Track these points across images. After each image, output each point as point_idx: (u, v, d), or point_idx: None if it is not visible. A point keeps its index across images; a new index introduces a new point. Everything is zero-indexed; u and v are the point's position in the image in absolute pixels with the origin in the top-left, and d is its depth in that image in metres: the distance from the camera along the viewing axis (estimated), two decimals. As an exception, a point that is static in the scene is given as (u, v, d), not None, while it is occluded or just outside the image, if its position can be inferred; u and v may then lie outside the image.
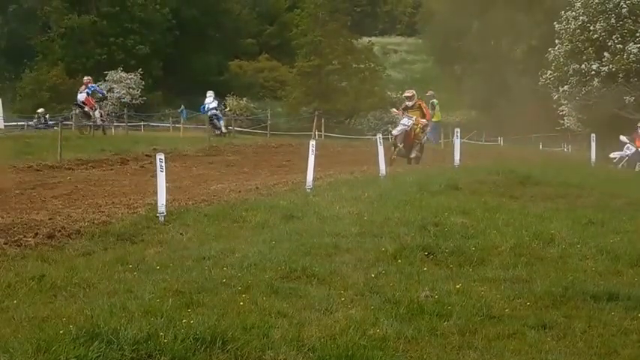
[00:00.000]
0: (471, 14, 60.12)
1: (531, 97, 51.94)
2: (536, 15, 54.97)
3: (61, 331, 5.00)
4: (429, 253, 7.90)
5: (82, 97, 28.44)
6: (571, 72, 38.64)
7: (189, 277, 6.71)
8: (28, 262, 7.47)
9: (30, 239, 8.38)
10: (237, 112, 45.50)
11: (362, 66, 60.54)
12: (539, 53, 45.26)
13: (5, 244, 8.12)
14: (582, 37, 38.30)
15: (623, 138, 27.05)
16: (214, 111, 32.54)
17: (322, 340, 5.34)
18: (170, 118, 47.22)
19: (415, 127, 19.64)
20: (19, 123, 40.01)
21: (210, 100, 32.80)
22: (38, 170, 15.99)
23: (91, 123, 28.29)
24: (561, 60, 39.39)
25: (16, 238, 8.38)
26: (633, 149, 26.04)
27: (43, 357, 4.68)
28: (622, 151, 26.68)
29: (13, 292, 6.37)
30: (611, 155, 26.57)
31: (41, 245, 8.25)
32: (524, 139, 44.47)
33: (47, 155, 18.41)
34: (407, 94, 20.98)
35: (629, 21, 37.29)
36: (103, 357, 4.74)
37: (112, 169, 15.67)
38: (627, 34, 37.16)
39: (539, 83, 41.34)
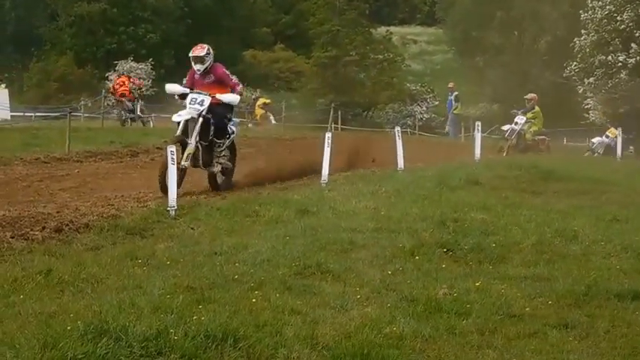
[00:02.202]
0: (494, 4, 59.61)
1: (555, 91, 51.49)
2: (561, 4, 54.41)
3: (68, 327, 4.93)
4: (447, 250, 7.76)
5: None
6: (597, 63, 38.16)
7: (201, 273, 6.62)
8: (35, 256, 7.39)
9: (37, 233, 8.29)
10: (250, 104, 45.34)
11: (380, 57, 59.96)
12: (564, 44, 44.77)
13: (12, 237, 8.05)
14: (609, 27, 37.80)
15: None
16: None
17: (337, 338, 5.24)
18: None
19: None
20: (26, 114, 39.91)
21: None
22: (46, 162, 15.81)
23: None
24: (587, 51, 38.93)
25: (22, 232, 8.29)
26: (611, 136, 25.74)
27: (50, 353, 4.60)
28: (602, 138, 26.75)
29: (20, 287, 6.30)
30: (593, 140, 26.51)
31: (48, 239, 8.16)
32: (547, 133, 44.10)
33: (55, 147, 18.22)
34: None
35: (658, 11, 36.77)
36: (112, 354, 4.65)
37: (121, 162, 15.61)
38: (656, 25, 36.66)
39: (564, 74, 40.92)
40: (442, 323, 5.67)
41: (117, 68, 54.61)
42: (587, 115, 42.52)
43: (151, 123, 31.28)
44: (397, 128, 15.98)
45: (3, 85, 34.31)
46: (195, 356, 4.78)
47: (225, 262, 7.06)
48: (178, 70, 58.64)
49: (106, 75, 54.22)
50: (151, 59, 55.68)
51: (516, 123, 22.79)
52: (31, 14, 63.26)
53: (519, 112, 23.47)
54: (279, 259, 7.13)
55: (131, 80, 30.95)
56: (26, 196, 11.40)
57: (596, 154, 24.36)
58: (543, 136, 23.92)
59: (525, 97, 25.43)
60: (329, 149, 12.77)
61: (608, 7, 37.71)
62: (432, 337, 5.43)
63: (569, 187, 12.86)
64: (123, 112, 29.66)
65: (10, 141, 19.14)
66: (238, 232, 8.65)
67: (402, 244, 7.87)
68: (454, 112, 30.38)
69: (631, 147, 29.14)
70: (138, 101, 29.51)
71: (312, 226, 8.69)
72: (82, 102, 28.75)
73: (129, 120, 29.14)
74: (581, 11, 39.78)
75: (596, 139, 25.75)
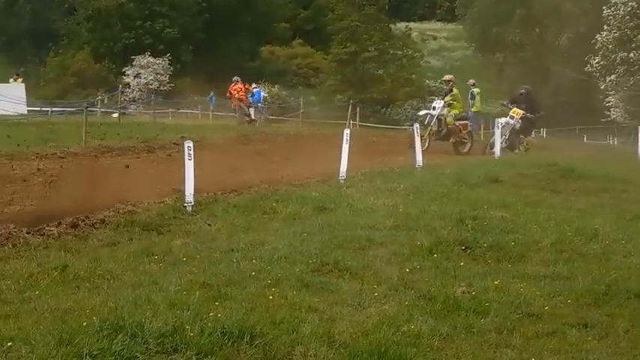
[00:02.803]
0: (514, 0, 59.29)
1: (576, 88, 51.16)
2: (583, 1, 54.03)
3: (84, 323, 4.93)
4: (466, 248, 7.70)
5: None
6: (619, 60, 37.92)
7: (217, 270, 6.60)
8: (51, 252, 7.39)
9: (53, 228, 8.28)
10: (269, 100, 45.28)
11: (399, 53, 59.78)
12: (586, 41, 44.51)
13: (28, 233, 8.04)
14: (631, 24, 37.54)
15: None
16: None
17: (354, 336, 5.21)
18: (199, 105, 46.97)
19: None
20: (43, 108, 40.00)
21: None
22: (62, 157, 15.79)
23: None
24: (609, 48, 38.65)
25: (38, 227, 8.29)
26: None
27: (65, 349, 4.59)
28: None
29: (35, 283, 6.31)
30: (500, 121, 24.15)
31: (64, 235, 8.17)
32: (567, 131, 43.83)
33: (71, 142, 18.19)
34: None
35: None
36: (127, 350, 4.64)
37: (138, 158, 15.58)
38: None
39: (586, 69, 40.60)
40: (460, 322, 5.62)
41: (134, 63, 54.58)
42: (608, 113, 42.23)
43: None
44: (415, 125, 15.93)
45: (20, 80, 34.37)
46: (211, 353, 4.75)
47: (242, 258, 7.04)
48: (196, 65, 58.88)
49: (123, 70, 54.24)
50: (168, 54, 55.51)
51: (434, 108, 21.14)
52: (48, 8, 63.24)
53: (437, 99, 22.19)
54: (296, 256, 7.10)
55: (246, 87, 33.14)
56: (42, 191, 11.38)
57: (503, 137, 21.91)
58: (465, 121, 22.41)
59: (443, 78, 24.19)
60: (347, 146, 12.73)
61: (631, 3, 37.42)
62: (450, 335, 5.38)
63: (589, 186, 12.76)
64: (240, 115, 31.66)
65: (26, 136, 19.13)
66: (255, 229, 8.63)
67: (420, 241, 7.82)
68: (472, 109, 30.15)
69: None
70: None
71: (330, 223, 8.67)
72: (99, 97, 28.62)
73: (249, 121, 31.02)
74: (604, 7, 39.48)
75: (502, 120, 23.53)
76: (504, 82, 60.34)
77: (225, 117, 38.86)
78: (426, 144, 19.11)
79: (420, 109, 23.06)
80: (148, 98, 46.28)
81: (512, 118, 21.40)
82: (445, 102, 21.32)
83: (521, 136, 21.74)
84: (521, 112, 21.30)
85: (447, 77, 23.41)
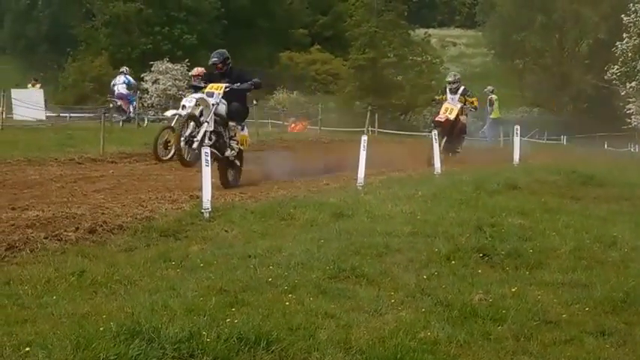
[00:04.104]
0: (534, 6, 59.08)
1: (597, 95, 50.87)
2: (603, 7, 53.77)
3: (101, 328, 4.95)
4: (484, 255, 7.67)
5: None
6: (639, 67, 37.65)
7: (234, 276, 6.60)
8: (68, 257, 7.40)
9: (70, 234, 8.29)
10: (286, 106, 45.20)
11: (419, 59, 59.65)
12: (606, 48, 44.29)
13: (45, 238, 8.05)
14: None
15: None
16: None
17: (370, 342, 5.21)
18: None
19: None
20: (61, 114, 40.10)
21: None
22: (80, 163, 15.91)
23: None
24: (629, 55, 38.42)
25: (56, 233, 8.30)
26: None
27: (82, 354, 4.62)
28: None
29: (53, 288, 6.33)
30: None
31: (82, 240, 8.17)
32: (588, 138, 43.58)
33: (89, 148, 18.23)
34: None
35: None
36: (144, 355, 4.66)
37: (155, 163, 15.53)
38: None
39: (605, 77, 40.38)
40: (477, 329, 5.61)
41: (152, 69, 54.63)
42: (629, 120, 41.94)
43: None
44: (434, 132, 15.89)
45: (38, 85, 34.63)
46: (227, 359, 4.76)
47: (259, 264, 7.03)
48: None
49: (142, 76, 54.29)
50: (187, 60, 55.41)
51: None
52: (67, 13, 63.48)
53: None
54: (313, 263, 7.10)
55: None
56: (60, 196, 11.40)
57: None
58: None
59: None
60: (365, 152, 12.72)
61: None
62: (467, 342, 5.37)
63: (608, 193, 12.64)
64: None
65: (44, 141, 19.27)
66: (272, 235, 8.63)
67: (437, 248, 7.79)
68: (491, 116, 30.05)
69: None
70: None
71: (347, 230, 8.65)
72: (118, 103, 28.56)
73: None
74: (623, 15, 39.26)
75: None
76: (524, 89, 60.20)
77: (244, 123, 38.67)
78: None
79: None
80: (166, 104, 46.36)
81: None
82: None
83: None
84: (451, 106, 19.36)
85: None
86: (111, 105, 27.68)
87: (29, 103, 27.68)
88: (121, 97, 27.92)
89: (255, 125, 29.69)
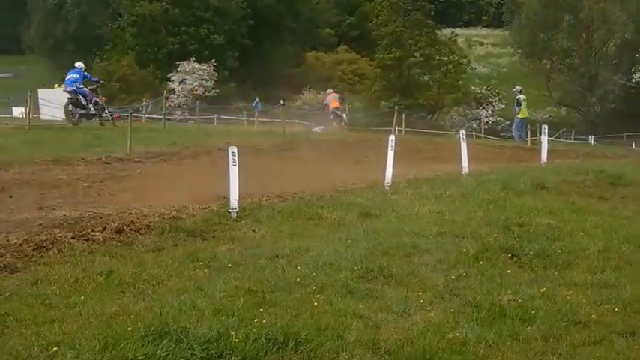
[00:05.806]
0: (561, 6, 58.64)
1: (624, 94, 50.39)
2: (630, 7, 53.26)
3: (129, 328, 4.99)
4: (512, 255, 7.64)
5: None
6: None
7: (262, 276, 6.62)
8: (96, 257, 7.43)
9: (98, 234, 8.34)
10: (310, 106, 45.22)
11: (445, 59, 59.37)
12: (634, 48, 43.86)
13: (73, 238, 8.10)
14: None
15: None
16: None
17: (399, 343, 5.21)
18: (244, 111, 47.01)
19: None
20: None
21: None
22: (107, 163, 15.89)
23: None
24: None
25: (83, 233, 8.35)
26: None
27: (110, 354, 4.66)
28: None
29: (81, 288, 6.37)
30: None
31: (109, 240, 8.20)
32: (615, 138, 43.21)
33: (116, 148, 18.20)
34: None
35: None
36: (172, 355, 4.69)
37: (183, 163, 15.59)
38: None
39: (633, 80, 40.03)
40: (506, 329, 5.58)
41: (179, 69, 54.70)
42: (657, 121, 41.54)
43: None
44: (462, 131, 15.82)
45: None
46: (255, 359, 4.78)
47: (287, 264, 7.06)
48: (241, 71, 59.07)
49: (168, 75, 54.36)
50: (213, 60, 55.41)
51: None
52: (94, 13, 63.80)
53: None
54: (341, 263, 7.11)
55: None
56: (87, 196, 11.49)
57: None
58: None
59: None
60: (392, 152, 12.69)
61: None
62: (496, 342, 5.35)
63: (636, 193, 12.50)
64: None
65: (71, 141, 19.31)
66: (300, 235, 8.64)
67: (466, 248, 7.78)
68: (517, 116, 29.87)
69: None
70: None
71: (375, 230, 8.66)
72: (144, 103, 28.41)
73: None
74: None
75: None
76: (552, 89, 59.74)
77: (270, 123, 38.86)
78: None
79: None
80: (192, 104, 46.46)
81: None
82: None
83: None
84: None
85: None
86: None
87: (56, 103, 27.69)
88: (79, 92, 25.37)
89: (280, 125, 29.76)
